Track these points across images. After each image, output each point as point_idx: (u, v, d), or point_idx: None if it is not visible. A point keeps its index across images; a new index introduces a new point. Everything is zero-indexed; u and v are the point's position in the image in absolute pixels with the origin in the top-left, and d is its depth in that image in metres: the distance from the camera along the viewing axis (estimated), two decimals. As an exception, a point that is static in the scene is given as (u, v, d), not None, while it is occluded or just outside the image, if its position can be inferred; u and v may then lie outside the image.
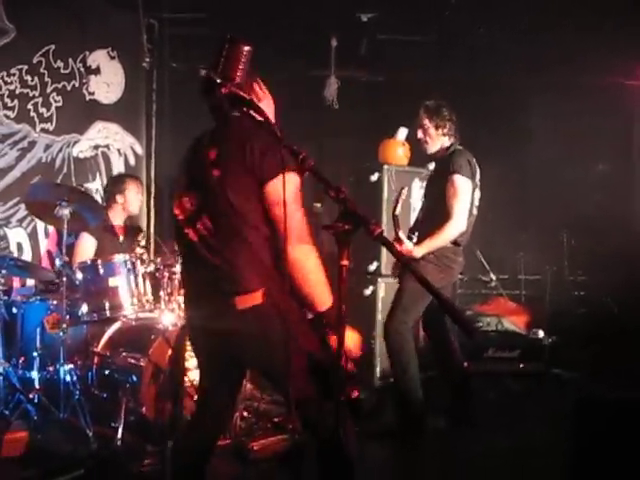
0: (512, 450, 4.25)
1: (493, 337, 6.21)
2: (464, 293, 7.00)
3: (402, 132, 5.90)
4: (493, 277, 6.74)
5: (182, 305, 4.84)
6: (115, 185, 5.45)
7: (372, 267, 5.74)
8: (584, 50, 6.34)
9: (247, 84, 2.51)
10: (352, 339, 2.62)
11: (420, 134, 4.67)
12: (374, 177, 5.76)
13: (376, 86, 7.43)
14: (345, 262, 1.81)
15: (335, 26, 6.82)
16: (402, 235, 4.32)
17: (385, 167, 5.74)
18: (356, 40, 6.97)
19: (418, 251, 4.35)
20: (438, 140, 4.61)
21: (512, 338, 6.23)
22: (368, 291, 5.74)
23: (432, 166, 4.89)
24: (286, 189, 2.35)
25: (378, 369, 5.69)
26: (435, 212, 4.46)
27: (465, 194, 4.41)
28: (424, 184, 5.93)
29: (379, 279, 5.71)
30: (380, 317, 5.66)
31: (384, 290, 5.71)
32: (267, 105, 2.65)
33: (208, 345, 2.70)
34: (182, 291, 4.64)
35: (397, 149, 5.89)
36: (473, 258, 6.51)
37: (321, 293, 2.54)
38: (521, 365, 6.09)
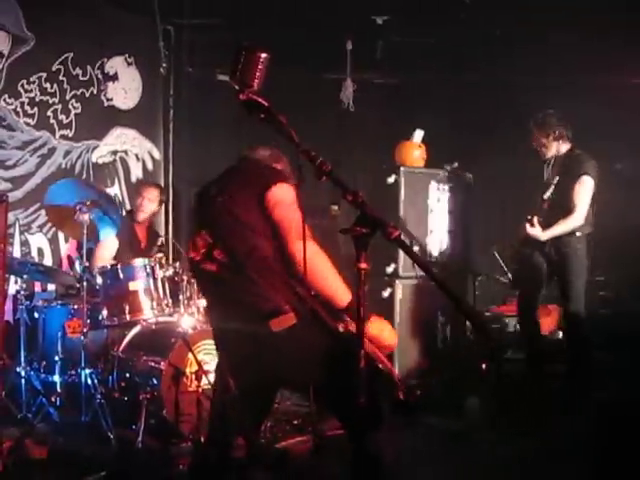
0: (533, 451, 4.23)
1: (512, 338, 6.18)
2: (483, 294, 6.97)
3: (418, 134, 5.91)
4: (511, 277, 6.70)
5: (201, 308, 4.88)
6: (135, 190, 5.57)
7: (390, 269, 5.74)
8: (602, 51, 6.31)
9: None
10: (387, 332, 2.68)
11: (534, 144, 5.31)
12: (391, 179, 5.77)
13: (392, 88, 7.44)
14: (364, 265, 1.82)
15: (350, 29, 6.83)
16: (535, 220, 5.09)
17: (402, 169, 5.75)
18: (372, 43, 6.98)
19: (544, 235, 5.10)
20: (552, 145, 5.22)
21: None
22: (386, 293, 5.75)
23: (549, 168, 5.34)
24: (285, 194, 2.47)
25: (396, 370, 5.69)
26: (561, 204, 5.12)
27: (589, 192, 5.12)
28: (440, 186, 5.95)
29: (397, 281, 5.71)
30: (398, 319, 5.67)
31: (402, 292, 5.71)
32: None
33: (245, 368, 2.70)
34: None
35: (413, 151, 5.90)
36: (491, 259, 6.49)
37: (338, 288, 2.56)
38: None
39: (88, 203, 4.51)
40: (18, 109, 5.76)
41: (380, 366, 2.59)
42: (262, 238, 2.59)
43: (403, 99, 7.19)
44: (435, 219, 5.95)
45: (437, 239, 5.97)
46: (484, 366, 5.61)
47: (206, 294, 2.93)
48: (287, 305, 2.54)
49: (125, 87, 6.63)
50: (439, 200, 5.97)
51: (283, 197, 2.58)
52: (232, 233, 2.63)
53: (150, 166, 6.90)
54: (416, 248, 5.67)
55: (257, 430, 2.94)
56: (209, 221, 2.72)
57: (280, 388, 2.96)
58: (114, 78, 6.53)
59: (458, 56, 6.92)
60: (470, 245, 6.31)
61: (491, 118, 7.01)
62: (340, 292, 2.55)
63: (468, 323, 6.07)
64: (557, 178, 5.17)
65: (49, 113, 5.99)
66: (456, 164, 6.04)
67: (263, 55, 1.97)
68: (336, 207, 6.97)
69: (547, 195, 5.17)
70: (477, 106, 7.00)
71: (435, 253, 5.97)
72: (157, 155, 6.97)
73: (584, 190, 5.10)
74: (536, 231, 5.10)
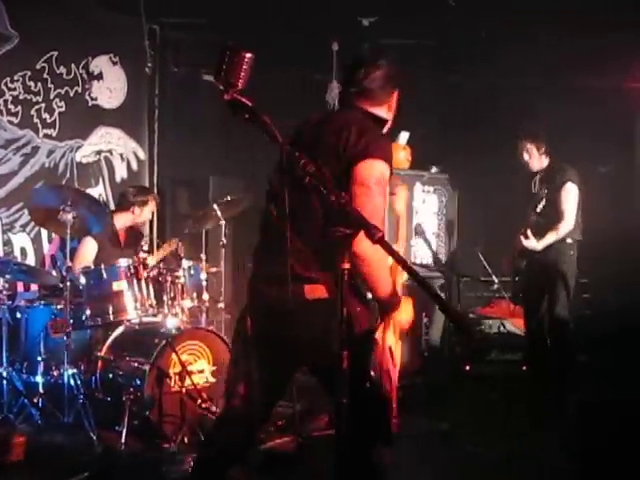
0: (515, 452, 4.25)
1: (495, 339, 6.22)
2: (466, 295, 7.00)
3: (403, 136, 5.93)
4: (495, 279, 6.74)
5: (185, 309, 4.87)
6: (138, 196, 5.40)
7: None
8: (587, 52, 6.35)
9: (388, 93, 2.75)
10: (406, 310, 2.73)
11: (526, 156, 5.40)
12: (376, 180, 5.77)
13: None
14: (347, 265, 1.83)
15: (336, 30, 6.84)
16: (529, 232, 5.23)
17: (387, 171, 5.76)
18: (357, 44, 6.98)
19: (539, 245, 5.25)
20: (541, 159, 5.38)
21: (514, 341, 6.24)
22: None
23: (537, 180, 5.48)
24: (373, 172, 2.44)
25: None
26: (550, 214, 5.28)
27: (575, 199, 5.29)
28: (425, 188, 5.98)
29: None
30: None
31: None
32: (392, 113, 2.82)
33: (268, 329, 2.63)
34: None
35: (398, 153, 5.92)
36: (475, 260, 6.52)
37: (384, 278, 2.59)
38: (524, 368, 6.09)
39: (70, 202, 4.49)
40: (1, 107, 5.71)
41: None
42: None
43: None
44: (420, 220, 5.97)
45: (422, 241, 5.99)
46: (467, 367, 5.64)
47: (260, 237, 2.83)
48: (325, 278, 2.51)
49: (110, 86, 6.60)
50: (424, 201, 6.00)
51: (369, 177, 2.49)
52: (303, 187, 2.37)
53: (135, 166, 6.86)
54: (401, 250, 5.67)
55: (268, 414, 2.87)
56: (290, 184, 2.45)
57: (298, 366, 2.85)
58: (99, 77, 6.49)
59: (443, 58, 6.94)
60: (455, 246, 6.34)
61: (476, 119, 7.04)
62: (386, 282, 2.60)
63: (451, 324, 6.11)
64: (546, 191, 5.33)
65: (33, 112, 5.95)
66: (441, 166, 6.07)
67: (248, 55, 1.97)
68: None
69: (539, 208, 5.31)
70: (462, 107, 7.03)
71: (420, 255, 5.99)
72: (142, 155, 6.93)
73: (570, 197, 5.27)
74: (531, 242, 5.25)
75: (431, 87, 7.03)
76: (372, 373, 2.64)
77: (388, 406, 2.63)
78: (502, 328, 6.31)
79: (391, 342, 2.78)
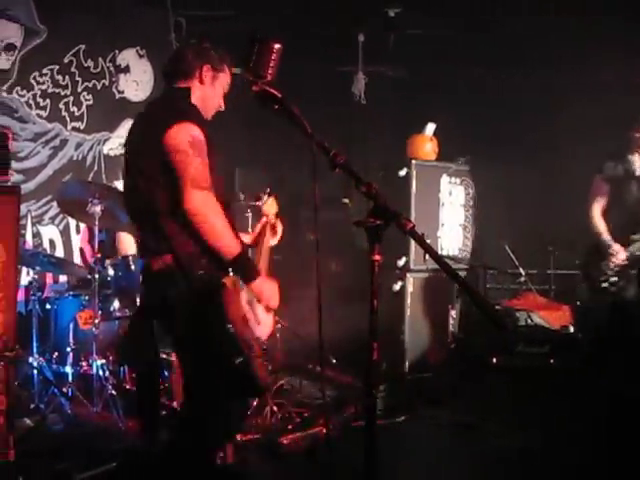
0: (539, 445, 4.22)
1: (522, 332, 6.16)
2: (493, 287, 6.96)
3: (430, 127, 5.89)
4: (522, 272, 6.68)
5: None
6: None
7: (401, 262, 5.73)
8: (621, 46, 6.24)
9: (194, 67, 2.88)
10: (269, 289, 2.84)
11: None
12: (402, 172, 5.76)
13: (404, 81, 7.41)
14: (377, 257, 1.82)
15: (362, 22, 6.80)
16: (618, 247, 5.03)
17: (413, 162, 5.74)
18: (383, 35, 6.94)
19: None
20: None
21: (542, 333, 6.18)
22: (397, 286, 5.74)
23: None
24: (182, 136, 2.56)
25: (407, 363, 5.69)
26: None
27: None
28: (452, 179, 5.94)
29: (408, 274, 5.70)
30: (409, 312, 5.67)
31: (413, 285, 5.71)
32: (213, 91, 2.97)
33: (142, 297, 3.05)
34: None
35: (425, 144, 5.88)
36: (502, 252, 6.47)
37: (225, 240, 2.63)
38: (551, 361, 6.04)
39: (98, 195, 4.53)
40: (30, 101, 5.78)
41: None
42: (159, 190, 2.65)
43: (415, 92, 7.16)
44: (446, 212, 5.94)
45: (448, 232, 5.96)
46: (495, 360, 5.60)
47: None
48: (169, 250, 2.65)
49: (136, 79, 6.64)
50: (451, 193, 5.96)
51: (180, 140, 2.61)
52: (132, 187, 2.82)
53: (161, 158, 6.89)
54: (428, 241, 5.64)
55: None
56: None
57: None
58: (126, 70, 6.53)
59: (471, 49, 6.87)
60: (481, 239, 6.29)
61: (504, 111, 6.97)
62: (227, 245, 2.63)
63: (479, 316, 6.07)
64: None
65: (61, 105, 6.00)
66: (468, 157, 6.02)
67: (276, 46, 1.97)
68: (347, 201, 6.97)
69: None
70: (489, 99, 6.96)
71: (446, 246, 5.96)
72: (168, 147, 6.97)
73: None
74: (622, 254, 5.04)
75: (458, 78, 6.97)
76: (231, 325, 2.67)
77: (251, 361, 2.66)
78: (529, 321, 6.24)
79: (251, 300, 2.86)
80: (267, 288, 2.84)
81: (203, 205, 2.55)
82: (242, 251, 2.68)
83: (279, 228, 3.27)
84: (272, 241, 3.23)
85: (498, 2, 6.34)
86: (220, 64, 2.99)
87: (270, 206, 3.24)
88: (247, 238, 3.11)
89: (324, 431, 4.29)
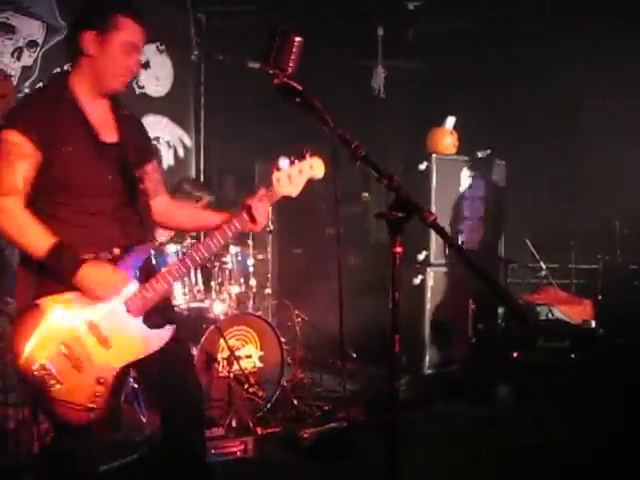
0: (562, 441, 4.20)
1: (543, 327, 6.13)
2: (513, 282, 6.93)
3: (450, 120, 5.87)
4: (543, 266, 6.65)
5: (233, 295, 4.92)
6: (194, 191, 5.27)
7: (421, 256, 5.72)
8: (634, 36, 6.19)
9: (74, 42, 2.60)
10: (98, 275, 2.50)
11: None
12: (422, 166, 5.74)
13: (423, 75, 7.38)
14: (399, 249, 1.82)
15: (381, 15, 6.78)
16: None
17: (433, 156, 5.72)
18: (403, 29, 6.92)
19: None
20: None
21: (563, 328, 6.14)
22: (417, 280, 5.73)
23: None
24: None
25: (427, 358, 5.69)
26: None
27: None
28: (472, 173, 5.91)
29: (428, 268, 5.69)
30: (429, 306, 5.66)
31: (433, 279, 5.70)
32: (105, 59, 2.61)
33: None
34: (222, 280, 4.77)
35: (445, 137, 5.86)
36: (523, 246, 6.44)
37: (28, 240, 2.48)
38: (572, 355, 6.00)
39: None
40: (52, 97, 5.81)
41: None
42: None
43: (435, 85, 7.13)
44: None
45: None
46: (515, 354, 5.58)
47: None
48: None
49: (157, 75, 6.67)
50: (471, 187, 5.93)
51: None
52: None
53: (181, 153, 6.93)
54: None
55: None
56: None
57: None
58: (146, 66, 6.56)
59: (490, 41, 6.84)
60: (502, 232, 6.26)
61: (524, 104, 6.93)
62: (28, 244, 2.48)
63: (500, 310, 6.05)
64: None
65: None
66: (489, 151, 5.99)
67: (297, 39, 1.96)
68: (367, 194, 6.96)
69: None
70: (509, 92, 6.92)
71: (467, 240, 5.94)
72: (188, 142, 7.00)
73: None
74: None
75: (477, 70, 6.93)
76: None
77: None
78: (550, 315, 6.21)
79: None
80: (95, 276, 2.48)
81: None
82: (52, 247, 2.45)
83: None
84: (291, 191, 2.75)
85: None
86: (105, 24, 2.61)
87: (318, 167, 2.76)
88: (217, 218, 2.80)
89: (344, 424, 4.29)
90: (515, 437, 4.34)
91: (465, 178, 5.88)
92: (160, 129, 6.74)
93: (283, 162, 2.71)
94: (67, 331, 2.49)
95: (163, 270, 2.62)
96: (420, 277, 5.73)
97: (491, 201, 6.05)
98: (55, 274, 2.46)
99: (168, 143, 6.80)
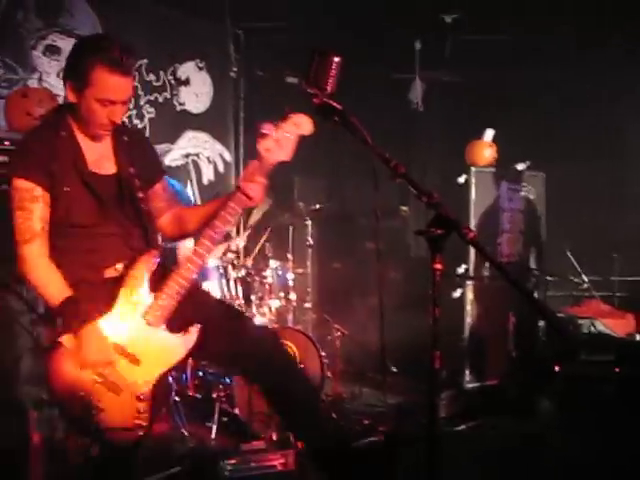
0: (605, 457, 4.14)
1: (586, 340, 6.05)
2: (554, 295, 6.85)
3: (489, 133, 5.85)
4: (585, 279, 6.57)
5: (273, 309, 4.96)
6: None
7: (460, 269, 5.70)
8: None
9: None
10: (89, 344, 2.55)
11: None
12: (461, 179, 5.73)
13: (461, 87, 7.37)
14: (438, 266, 1.83)
15: (418, 28, 6.81)
16: None
17: (472, 169, 5.70)
18: (440, 42, 6.93)
19: None
20: None
21: (606, 341, 6.05)
22: (457, 294, 5.71)
23: None
24: (12, 193, 2.56)
25: (468, 371, 5.65)
26: None
27: None
28: (512, 185, 5.88)
29: (467, 282, 5.66)
30: (469, 319, 5.63)
31: (472, 292, 5.67)
32: (86, 109, 2.64)
33: None
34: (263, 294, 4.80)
35: (484, 150, 5.84)
36: (564, 258, 6.37)
37: (46, 290, 2.59)
38: (616, 369, 5.91)
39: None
40: (96, 116, 5.94)
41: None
42: None
43: (473, 98, 7.12)
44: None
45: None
46: (557, 368, 5.52)
47: None
48: None
49: (196, 91, 6.78)
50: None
51: (11, 197, 2.62)
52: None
53: (221, 168, 7.02)
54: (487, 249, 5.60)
55: None
56: None
57: None
58: (186, 83, 6.67)
59: (528, 53, 6.81)
60: (542, 245, 6.21)
61: (564, 113, 6.87)
62: (45, 294, 2.59)
63: (541, 323, 5.99)
64: None
65: (125, 119, 6.15)
66: (528, 163, 5.95)
67: (336, 59, 2.00)
68: (406, 208, 6.96)
69: None
70: (548, 102, 6.88)
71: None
72: (228, 157, 7.09)
73: None
74: None
75: (515, 83, 6.90)
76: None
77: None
78: (593, 328, 6.13)
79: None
80: (86, 343, 2.53)
81: (20, 260, 2.60)
82: (63, 300, 2.56)
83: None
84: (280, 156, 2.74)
85: (554, 6, 6.26)
86: (79, 79, 2.61)
87: (305, 123, 2.67)
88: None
89: (383, 439, 4.29)
90: (557, 453, 4.29)
91: (504, 191, 5.85)
92: (200, 145, 6.84)
93: (267, 128, 2.63)
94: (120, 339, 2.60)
95: (172, 274, 2.64)
96: (459, 290, 5.70)
97: (531, 214, 6.01)
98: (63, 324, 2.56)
99: (208, 159, 6.90)
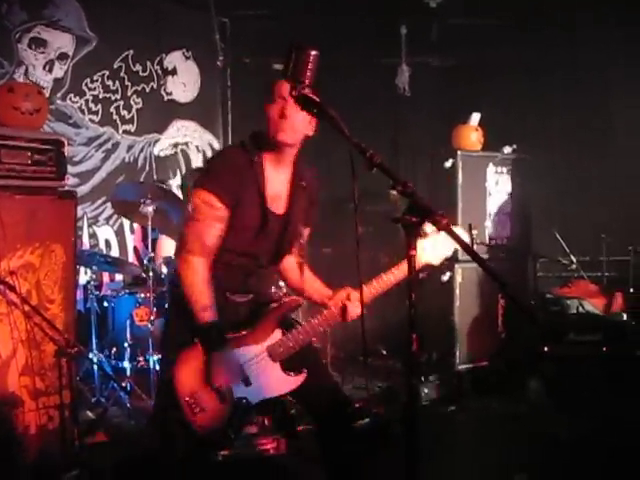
0: (594, 435, 4.21)
1: (574, 320, 6.11)
2: (543, 276, 6.91)
3: (475, 117, 5.88)
4: (573, 259, 6.62)
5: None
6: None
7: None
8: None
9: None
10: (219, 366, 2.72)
11: None
12: (448, 163, 5.76)
13: (447, 72, 7.40)
14: (413, 252, 1.89)
15: (404, 13, 6.82)
16: None
17: (459, 153, 5.74)
18: (426, 26, 6.95)
19: None
20: None
21: (594, 321, 6.12)
22: (445, 277, 5.76)
23: None
24: (191, 204, 2.69)
25: (458, 354, 5.71)
26: None
27: None
28: (498, 169, 5.92)
29: (456, 265, 5.71)
30: (458, 302, 5.69)
31: (461, 275, 5.72)
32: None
33: None
34: None
35: (471, 134, 5.87)
36: (552, 239, 6.42)
37: (196, 307, 2.67)
38: (604, 348, 5.98)
39: (150, 196, 4.67)
40: (83, 107, 5.97)
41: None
42: None
43: (459, 82, 7.15)
44: (494, 202, 5.93)
45: (496, 222, 5.95)
46: (546, 348, 5.59)
47: None
48: None
49: (184, 81, 6.79)
50: (497, 183, 5.94)
51: (190, 207, 2.73)
52: None
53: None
54: (474, 232, 5.64)
55: None
56: None
57: None
58: (173, 72, 6.69)
59: (515, 36, 6.84)
60: (530, 227, 6.26)
61: (548, 100, 6.91)
62: (195, 310, 2.67)
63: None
64: None
65: (112, 109, 6.19)
66: (514, 146, 6.00)
67: (313, 53, 2.03)
68: (395, 191, 6.99)
69: None
70: (534, 87, 6.91)
71: (495, 236, 5.95)
72: (217, 146, 7.12)
73: None
74: None
75: (501, 66, 6.93)
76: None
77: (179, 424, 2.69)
78: (581, 308, 6.19)
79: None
80: (218, 364, 2.70)
81: (179, 268, 2.70)
82: (208, 321, 2.67)
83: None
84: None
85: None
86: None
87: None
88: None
89: (377, 420, 4.35)
90: (545, 432, 4.36)
91: (491, 174, 5.89)
92: (189, 134, 6.87)
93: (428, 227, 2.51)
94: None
95: (305, 324, 2.88)
96: (448, 274, 5.75)
97: (518, 196, 6.06)
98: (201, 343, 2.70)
99: (197, 148, 6.93)
